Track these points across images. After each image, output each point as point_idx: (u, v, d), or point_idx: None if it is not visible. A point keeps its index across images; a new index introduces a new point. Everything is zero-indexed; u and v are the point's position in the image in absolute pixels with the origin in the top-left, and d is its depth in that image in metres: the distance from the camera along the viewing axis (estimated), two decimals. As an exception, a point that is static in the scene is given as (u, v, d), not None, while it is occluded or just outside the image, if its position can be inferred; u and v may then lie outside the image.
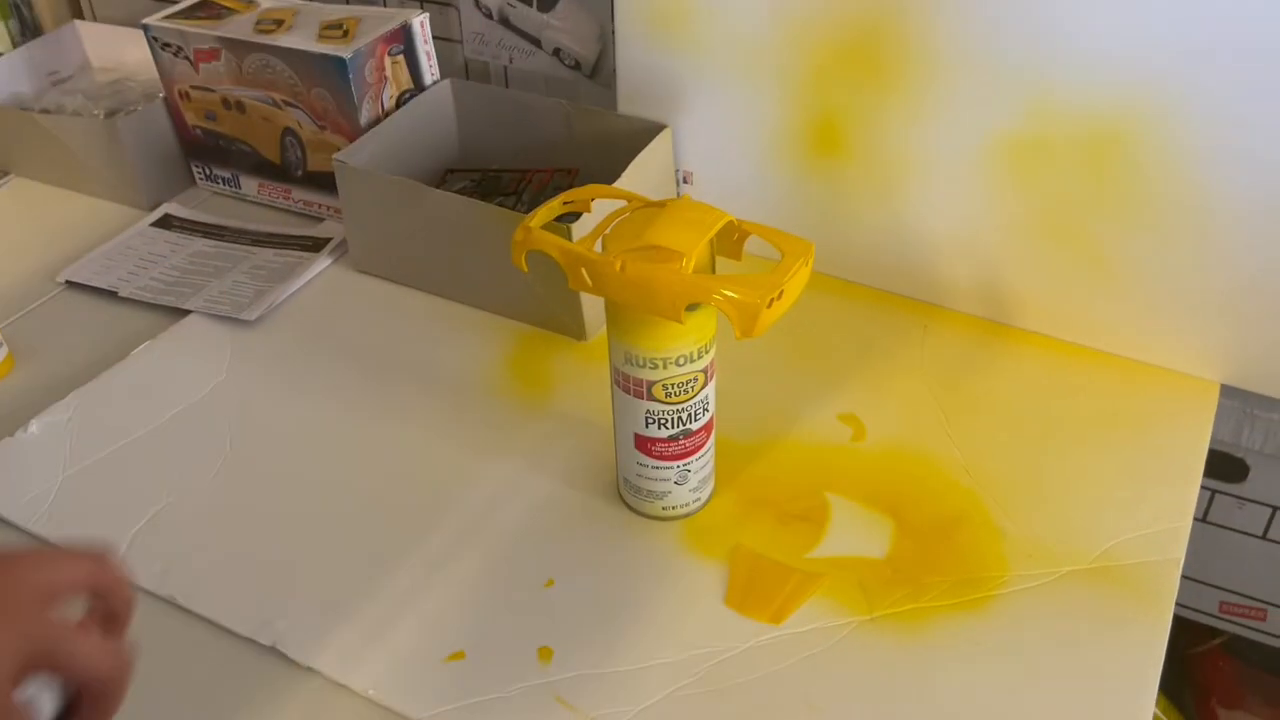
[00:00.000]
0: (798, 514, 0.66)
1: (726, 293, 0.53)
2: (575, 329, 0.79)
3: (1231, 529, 0.88)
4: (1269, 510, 0.85)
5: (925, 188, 0.77)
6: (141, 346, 0.81)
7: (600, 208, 0.63)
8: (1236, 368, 0.73)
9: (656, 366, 0.58)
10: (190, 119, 0.96)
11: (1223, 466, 0.85)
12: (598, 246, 0.57)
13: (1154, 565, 0.61)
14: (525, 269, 0.60)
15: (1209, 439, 0.70)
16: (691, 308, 0.55)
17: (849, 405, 0.73)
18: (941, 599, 0.60)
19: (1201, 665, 1.10)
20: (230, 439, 0.73)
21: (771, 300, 0.53)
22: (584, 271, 0.56)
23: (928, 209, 0.78)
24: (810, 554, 0.63)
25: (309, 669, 0.58)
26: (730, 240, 0.59)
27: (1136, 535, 0.63)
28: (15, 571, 0.39)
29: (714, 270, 0.57)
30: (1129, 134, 0.68)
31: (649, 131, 0.83)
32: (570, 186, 0.88)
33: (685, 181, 0.87)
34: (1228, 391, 0.74)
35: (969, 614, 0.60)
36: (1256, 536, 0.88)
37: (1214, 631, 1.04)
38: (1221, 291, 0.70)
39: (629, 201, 0.60)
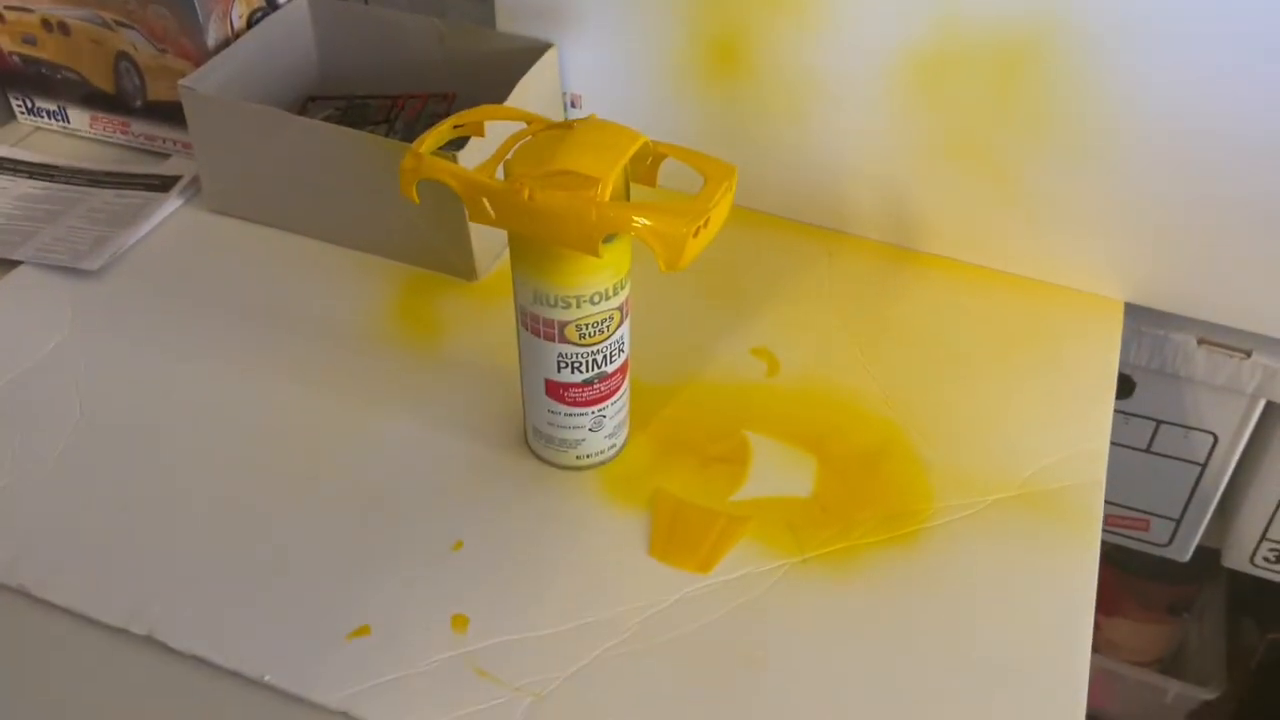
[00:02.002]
0: (718, 456, 0.62)
1: (648, 222, 0.48)
2: (465, 268, 0.73)
3: (1118, 444, 0.90)
4: (1153, 424, 0.87)
5: (828, 108, 0.74)
6: (-36, 304, 0.71)
7: (496, 131, 0.57)
8: (1140, 286, 0.73)
9: (569, 305, 0.53)
10: (5, 44, 0.85)
11: (1110, 383, 0.86)
12: (499, 174, 0.51)
13: (1078, 488, 0.61)
14: (416, 200, 0.54)
15: (1118, 357, 0.70)
16: (608, 239, 0.50)
17: (760, 339, 0.70)
18: (871, 535, 0.58)
19: (1084, 576, 1.14)
20: (79, 404, 0.65)
21: (698, 229, 0.48)
22: (486, 202, 0.50)
23: (830, 131, 0.75)
24: (734, 497, 0.60)
25: (193, 657, 0.52)
26: (644, 165, 0.54)
27: (1059, 458, 0.62)
28: None
29: (629, 198, 0.53)
30: (1036, 50, 0.66)
31: (533, 51, 0.77)
32: (448, 112, 0.81)
33: (574, 105, 0.81)
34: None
35: (900, 548, 0.58)
36: (1140, 450, 0.90)
37: (1096, 543, 1.07)
38: (1126, 209, 0.70)
39: (529, 123, 0.54)
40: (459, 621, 0.54)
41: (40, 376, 0.66)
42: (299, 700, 0.51)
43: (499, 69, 0.77)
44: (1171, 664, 1.18)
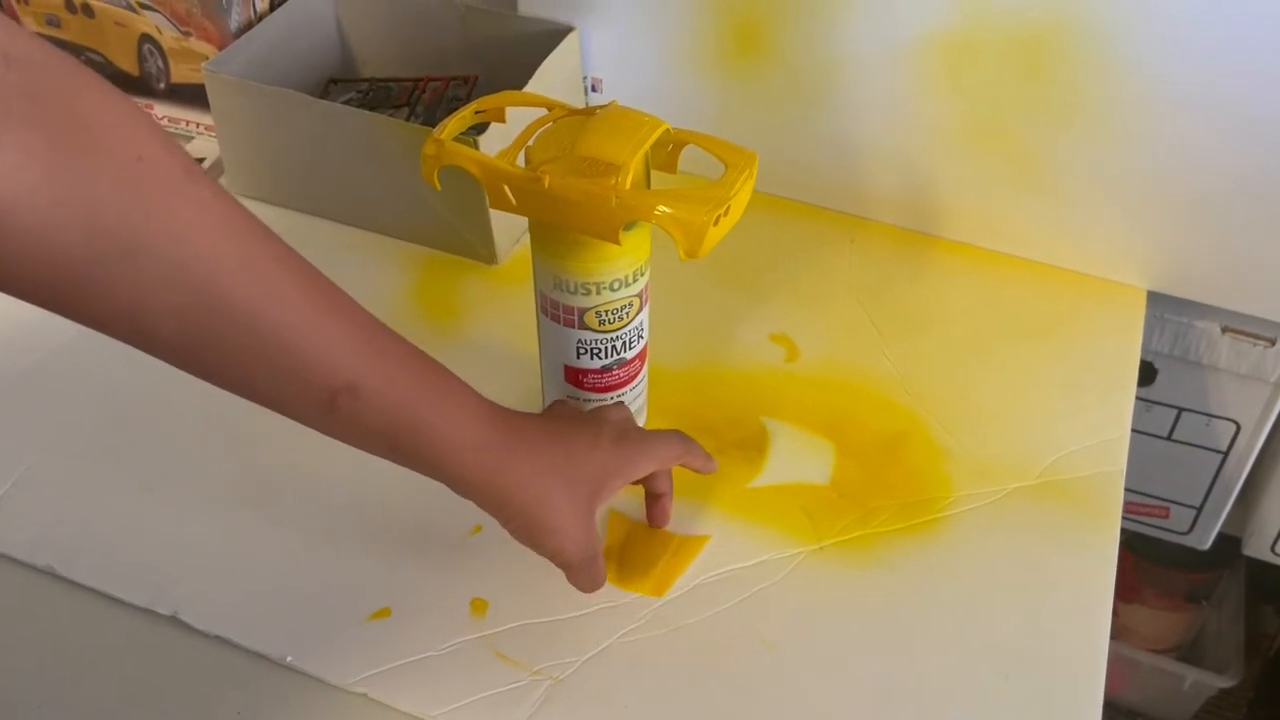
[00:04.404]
0: (736, 442, 0.62)
1: (669, 210, 0.48)
2: (485, 252, 0.74)
3: (1139, 431, 0.90)
4: (1174, 412, 0.87)
5: (851, 92, 0.73)
6: (-9, 285, 0.71)
7: (517, 117, 0.57)
8: (1163, 274, 0.72)
9: (589, 292, 0.53)
10: (29, 25, 0.85)
11: (1132, 370, 0.86)
12: (519, 160, 0.51)
13: (1098, 477, 0.61)
14: (438, 187, 0.54)
15: (1140, 347, 0.69)
16: (628, 227, 0.50)
17: (780, 325, 0.70)
18: (890, 523, 0.58)
19: (1102, 562, 1.13)
20: (103, 385, 0.65)
21: (718, 217, 0.48)
22: (507, 189, 0.51)
23: (853, 115, 0.74)
24: (752, 484, 0.60)
25: (216, 638, 0.53)
26: (664, 151, 0.54)
27: (1079, 448, 0.62)
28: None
29: (649, 185, 0.52)
30: (1061, 35, 0.65)
31: (554, 34, 0.77)
32: (469, 96, 0.81)
33: (594, 89, 0.81)
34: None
35: (919, 537, 0.58)
36: (1162, 438, 0.89)
37: (1115, 530, 1.06)
38: (1150, 197, 0.69)
39: (550, 109, 0.54)
40: (478, 605, 0.54)
41: (65, 358, 0.67)
42: (320, 681, 0.51)
43: (520, 52, 0.77)
44: (1189, 651, 1.18)
